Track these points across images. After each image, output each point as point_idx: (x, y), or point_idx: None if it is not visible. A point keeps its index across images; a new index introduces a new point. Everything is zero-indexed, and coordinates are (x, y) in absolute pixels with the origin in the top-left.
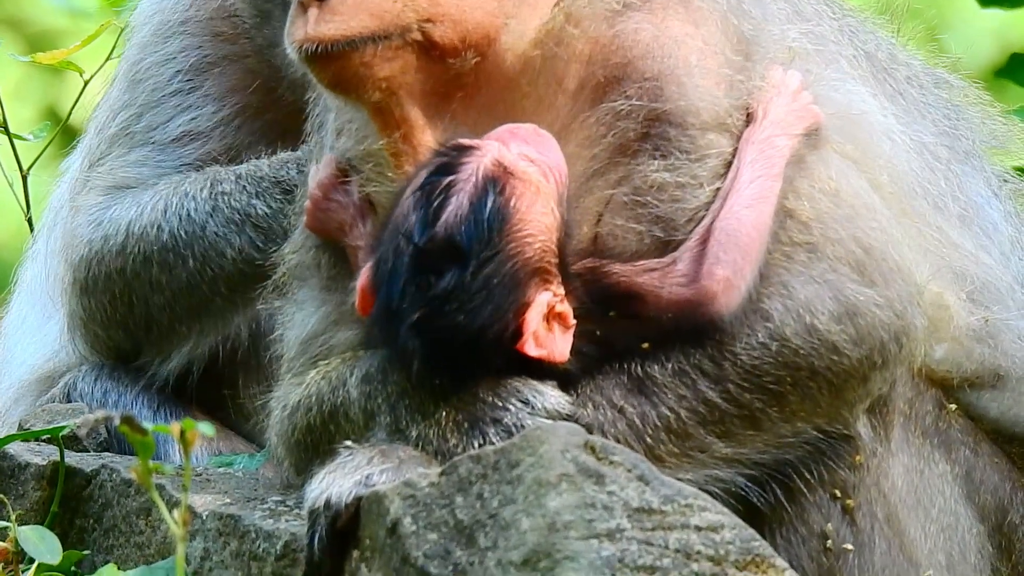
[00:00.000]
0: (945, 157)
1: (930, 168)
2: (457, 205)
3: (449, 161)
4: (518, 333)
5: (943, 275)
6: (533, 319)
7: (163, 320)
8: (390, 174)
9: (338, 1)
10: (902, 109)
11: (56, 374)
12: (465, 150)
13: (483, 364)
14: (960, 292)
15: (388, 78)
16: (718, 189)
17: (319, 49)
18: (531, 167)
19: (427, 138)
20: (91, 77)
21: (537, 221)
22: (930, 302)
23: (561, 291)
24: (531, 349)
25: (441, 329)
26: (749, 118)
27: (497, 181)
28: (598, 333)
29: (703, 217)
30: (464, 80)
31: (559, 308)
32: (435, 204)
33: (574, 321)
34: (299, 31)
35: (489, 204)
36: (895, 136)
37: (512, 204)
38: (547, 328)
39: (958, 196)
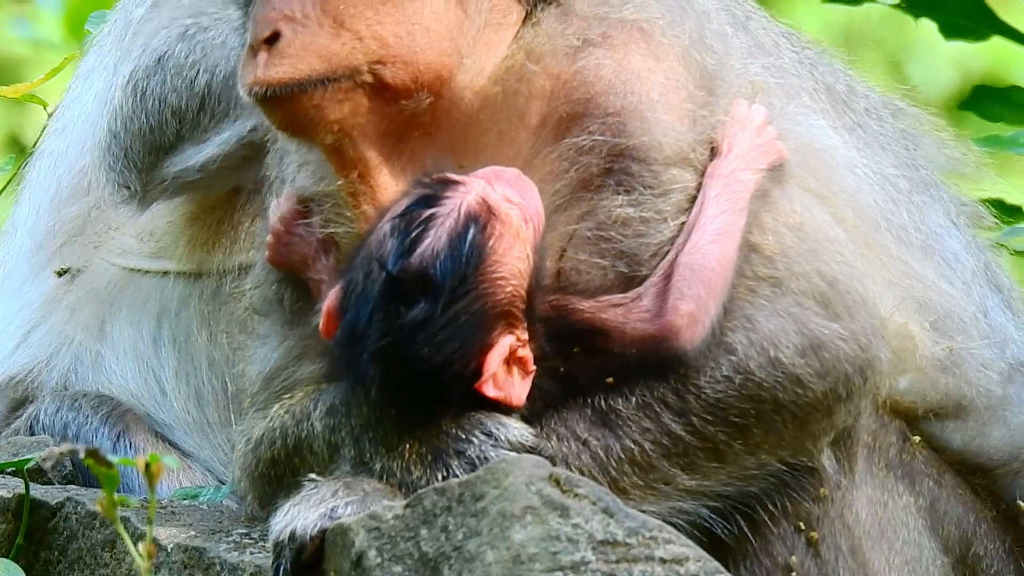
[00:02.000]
0: (906, 188)
1: (892, 200)
2: (436, 238)
3: (432, 194)
4: (478, 373)
5: (907, 306)
6: (494, 361)
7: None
8: (349, 214)
9: (286, 44)
10: (862, 141)
11: (16, 377)
12: (450, 184)
13: (440, 398)
14: (924, 322)
15: (340, 120)
16: (682, 224)
17: (268, 92)
18: (513, 210)
19: (385, 178)
20: (55, 110)
21: (512, 265)
22: (894, 333)
23: (525, 337)
24: (489, 390)
25: (404, 360)
26: (713, 152)
27: (479, 219)
28: (562, 369)
29: (667, 252)
30: (421, 119)
31: (521, 353)
32: (413, 234)
33: (534, 368)
34: (249, 74)
35: (468, 241)
36: (857, 170)
37: (491, 244)
38: (507, 371)
39: (920, 227)
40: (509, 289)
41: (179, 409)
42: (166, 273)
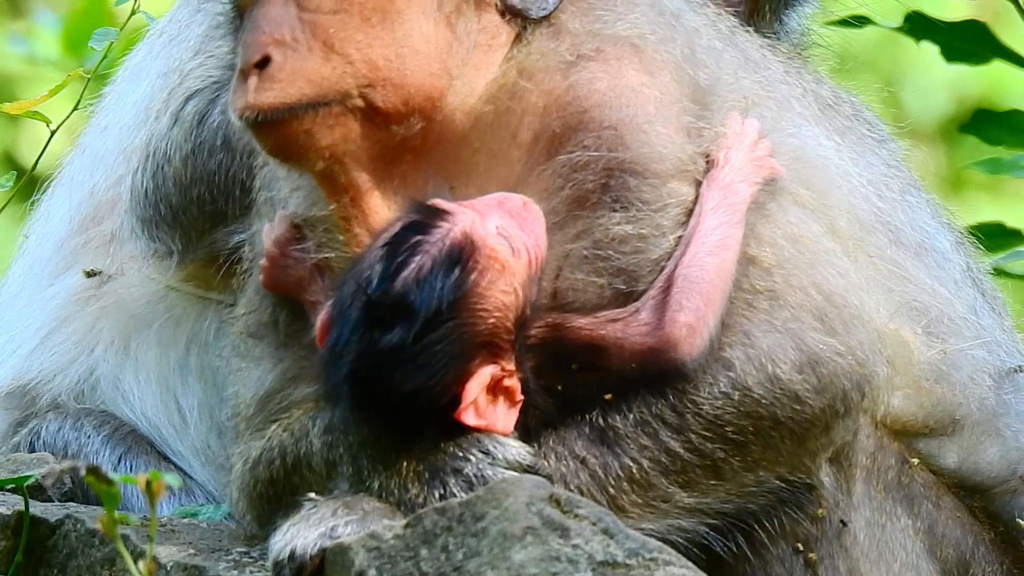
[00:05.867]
0: (898, 188)
1: (886, 201)
2: (418, 266)
3: (423, 221)
4: (456, 401)
5: (901, 311)
6: (472, 390)
7: None
8: (342, 238)
9: (276, 68)
10: (852, 144)
11: (29, 383)
12: (440, 214)
13: (416, 424)
14: (917, 327)
15: (331, 146)
16: (680, 237)
17: (259, 117)
18: (502, 244)
19: (376, 202)
20: (58, 127)
21: (495, 299)
22: (889, 340)
23: (511, 367)
24: (469, 418)
25: (375, 384)
26: (709, 165)
27: (462, 253)
28: (560, 387)
29: (665, 266)
30: (412, 142)
31: (506, 383)
32: (398, 260)
33: (522, 397)
34: (240, 99)
35: (449, 274)
36: (852, 177)
37: (471, 279)
38: (490, 400)
39: (915, 226)
40: (491, 321)
41: (199, 441)
42: (204, 298)
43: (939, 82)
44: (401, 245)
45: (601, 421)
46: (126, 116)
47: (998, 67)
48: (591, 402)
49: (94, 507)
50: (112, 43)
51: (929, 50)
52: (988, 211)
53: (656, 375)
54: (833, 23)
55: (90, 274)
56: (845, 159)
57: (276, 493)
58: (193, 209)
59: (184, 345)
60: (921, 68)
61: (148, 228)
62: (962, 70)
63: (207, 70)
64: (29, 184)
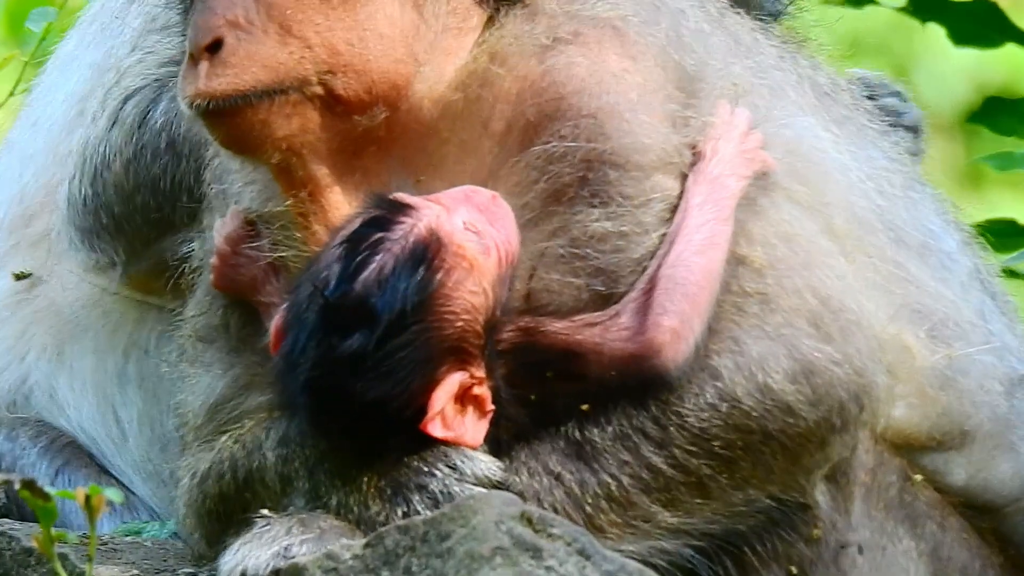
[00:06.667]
0: (900, 184)
1: (887, 198)
2: (380, 266)
3: (384, 216)
4: (422, 412)
5: (902, 314)
6: (440, 399)
7: None
8: (299, 235)
9: (229, 52)
10: (851, 135)
11: None
12: (403, 208)
13: (379, 437)
14: (919, 331)
15: (288, 137)
16: (664, 235)
17: (211, 105)
18: (470, 240)
19: (337, 197)
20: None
21: (463, 300)
22: (889, 345)
23: (481, 374)
24: (436, 430)
25: (334, 392)
26: (696, 158)
27: (428, 250)
28: (533, 397)
29: (647, 266)
30: (375, 133)
31: (476, 391)
32: (358, 259)
33: (492, 407)
34: (190, 86)
35: (413, 273)
36: (850, 171)
37: (437, 278)
38: (459, 410)
39: (918, 225)
40: (459, 324)
41: (139, 455)
42: (144, 302)
43: (956, 68)
44: (361, 243)
45: (578, 434)
46: (57, 111)
47: (1018, 51)
48: (567, 413)
49: (30, 524)
50: (51, 24)
51: (941, 33)
52: (1008, 207)
53: (637, 384)
54: (831, 2)
55: (20, 276)
56: (843, 152)
57: (227, 510)
58: (137, 217)
59: (122, 352)
60: (937, 53)
61: (88, 239)
62: (981, 55)
63: (146, 67)
64: None
